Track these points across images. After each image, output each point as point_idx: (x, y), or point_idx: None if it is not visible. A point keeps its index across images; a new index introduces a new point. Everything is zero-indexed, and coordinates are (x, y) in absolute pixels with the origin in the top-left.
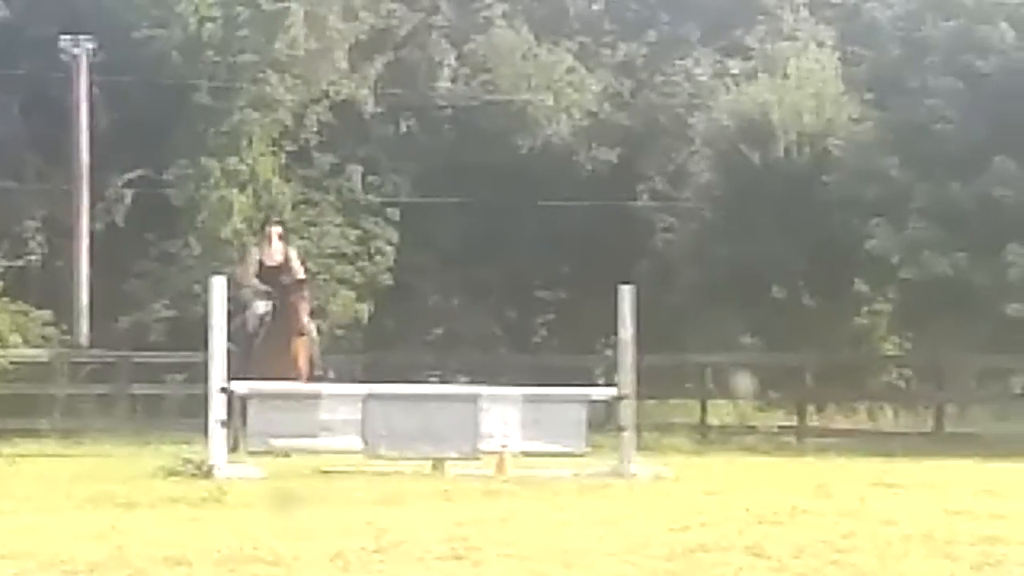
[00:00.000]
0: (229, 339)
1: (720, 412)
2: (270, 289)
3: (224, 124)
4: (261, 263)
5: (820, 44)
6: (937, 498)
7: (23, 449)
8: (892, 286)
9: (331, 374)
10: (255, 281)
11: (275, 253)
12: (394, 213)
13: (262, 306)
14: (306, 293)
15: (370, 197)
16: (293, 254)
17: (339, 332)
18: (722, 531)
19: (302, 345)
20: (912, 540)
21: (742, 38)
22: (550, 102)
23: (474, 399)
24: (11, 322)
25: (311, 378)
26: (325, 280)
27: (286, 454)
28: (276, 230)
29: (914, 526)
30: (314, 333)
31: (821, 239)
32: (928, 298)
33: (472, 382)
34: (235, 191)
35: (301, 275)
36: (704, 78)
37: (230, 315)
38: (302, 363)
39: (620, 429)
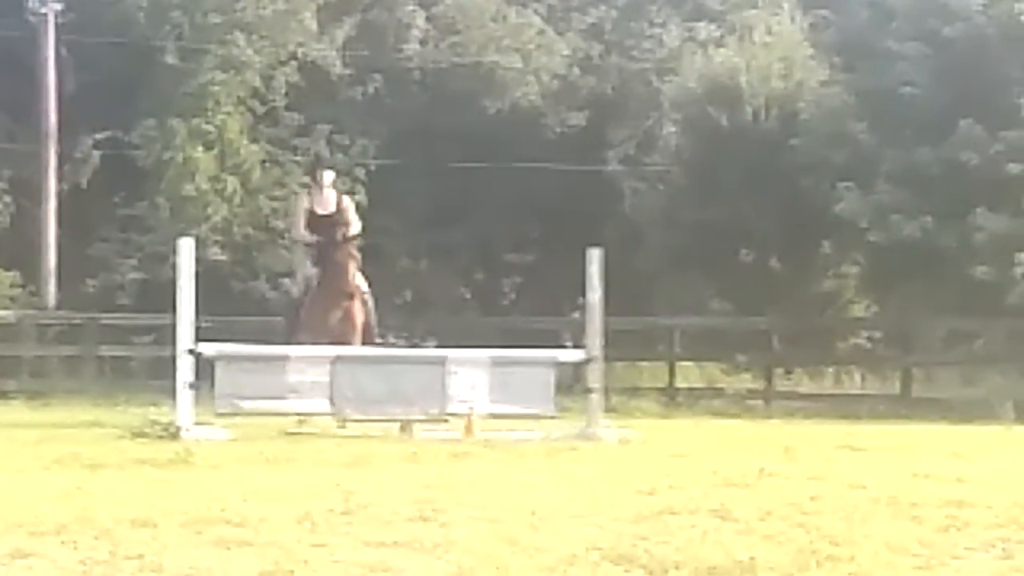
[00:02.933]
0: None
1: (688, 375)
2: (322, 239)
3: (191, 85)
4: (311, 211)
5: (788, 8)
6: (903, 461)
7: None
8: (860, 250)
9: (392, 339)
10: (305, 233)
11: (327, 201)
12: (361, 173)
13: (308, 267)
14: (356, 252)
15: (338, 158)
16: (348, 203)
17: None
18: (689, 494)
19: (355, 309)
20: (878, 503)
21: (711, 2)
22: (519, 65)
23: (442, 362)
24: None
25: (369, 345)
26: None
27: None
28: (328, 175)
29: (880, 489)
30: (368, 295)
31: (789, 203)
32: (896, 262)
33: (440, 345)
34: (200, 150)
35: (356, 228)
36: (673, 42)
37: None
38: (355, 325)
39: (588, 392)
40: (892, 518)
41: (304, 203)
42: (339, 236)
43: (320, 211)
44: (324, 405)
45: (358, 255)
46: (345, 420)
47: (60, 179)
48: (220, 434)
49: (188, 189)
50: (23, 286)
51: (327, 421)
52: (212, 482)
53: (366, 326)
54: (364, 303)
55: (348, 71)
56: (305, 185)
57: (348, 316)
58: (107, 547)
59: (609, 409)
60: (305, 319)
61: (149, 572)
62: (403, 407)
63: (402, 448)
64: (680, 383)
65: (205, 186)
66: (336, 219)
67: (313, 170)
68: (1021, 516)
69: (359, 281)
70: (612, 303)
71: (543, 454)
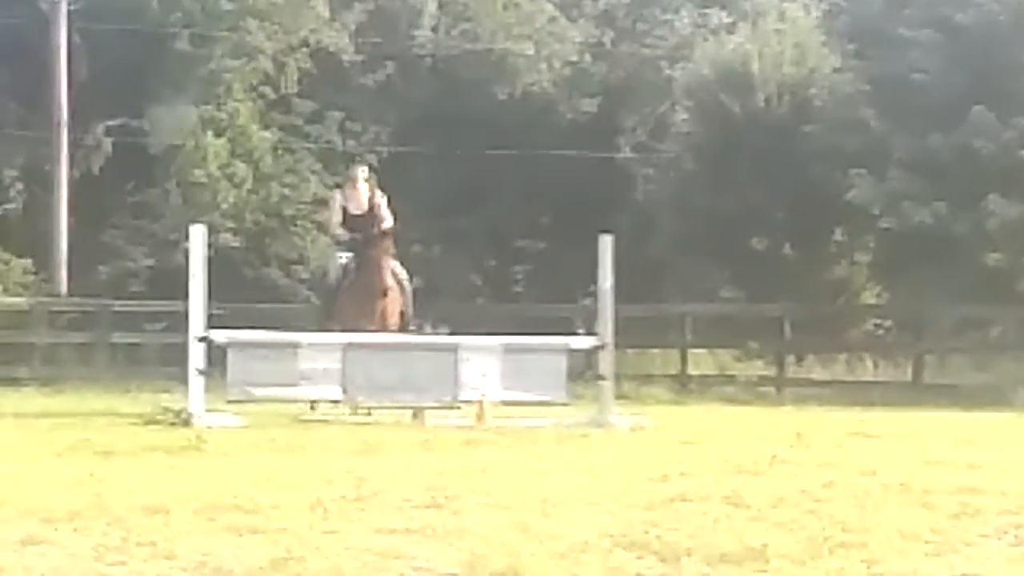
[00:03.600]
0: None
1: (700, 362)
2: (357, 236)
3: (203, 72)
4: (345, 210)
5: None
6: (915, 448)
7: (2, 398)
8: (872, 236)
9: (428, 327)
10: (340, 231)
11: (361, 198)
12: (373, 160)
13: (344, 255)
14: (390, 246)
15: (350, 143)
16: (380, 199)
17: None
18: (701, 481)
19: (390, 302)
20: (890, 490)
21: None
22: (531, 52)
23: (454, 349)
24: None
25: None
26: (304, 227)
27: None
28: (362, 172)
29: (892, 476)
30: (406, 282)
31: (801, 190)
32: (908, 248)
33: (452, 332)
34: (211, 137)
35: (389, 223)
36: (685, 29)
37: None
38: (390, 321)
39: (600, 379)
40: (904, 505)
41: (338, 200)
42: (374, 231)
43: (354, 210)
44: (336, 392)
45: (393, 249)
46: (356, 407)
47: (72, 166)
48: (232, 421)
49: (199, 175)
50: (35, 273)
51: (340, 408)
52: (224, 469)
53: (402, 315)
54: (402, 290)
55: (360, 58)
56: (338, 184)
57: (383, 315)
58: (119, 534)
59: (621, 396)
60: (338, 312)
61: (161, 559)
62: (415, 394)
63: (414, 435)
64: (692, 370)
65: (216, 172)
66: (369, 216)
67: (347, 168)
68: None
69: (397, 270)
70: (624, 290)
71: (555, 441)
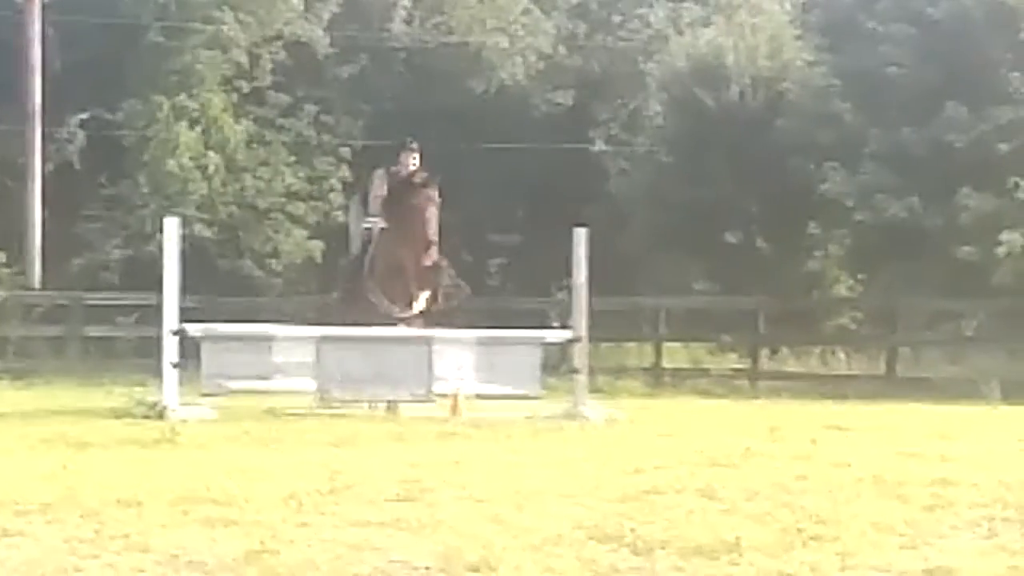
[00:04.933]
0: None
1: (674, 355)
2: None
3: (176, 63)
4: (390, 184)
5: None
6: (889, 441)
7: None
8: (845, 230)
9: (466, 291)
10: (378, 217)
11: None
12: (347, 153)
13: (370, 222)
14: (435, 195)
15: (324, 137)
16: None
17: (292, 275)
18: (675, 473)
19: (430, 267)
20: (864, 482)
21: None
22: (505, 44)
23: (428, 342)
24: None
25: (437, 305)
26: (278, 220)
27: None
28: (414, 157)
29: (866, 468)
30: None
31: (775, 183)
32: (881, 241)
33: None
34: (184, 127)
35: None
36: (659, 22)
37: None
38: (426, 285)
39: (574, 372)
40: (877, 497)
41: (379, 189)
42: (416, 178)
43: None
44: (310, 385)
45: (438, 200)
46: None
47: (45, 158)
48: (206, 414)
49: (171, 165)
50: (8, 266)
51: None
52: (198, 462)
53: (437, 289)
54: (440, 266)
55: (334, 50)
56: (375, 167)
57: (423, 270)
58: (93, 526)
59: (595, 389)
60: (373, 265)
61: (135, 551)
62: (389, 387)
63: (388, 428)
64: (666, 363)
65: (188, 163)
66: (409, 181)
67: (399, 152)
68: (1006, 495)
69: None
70: (598, 283)
71: (529, 434)
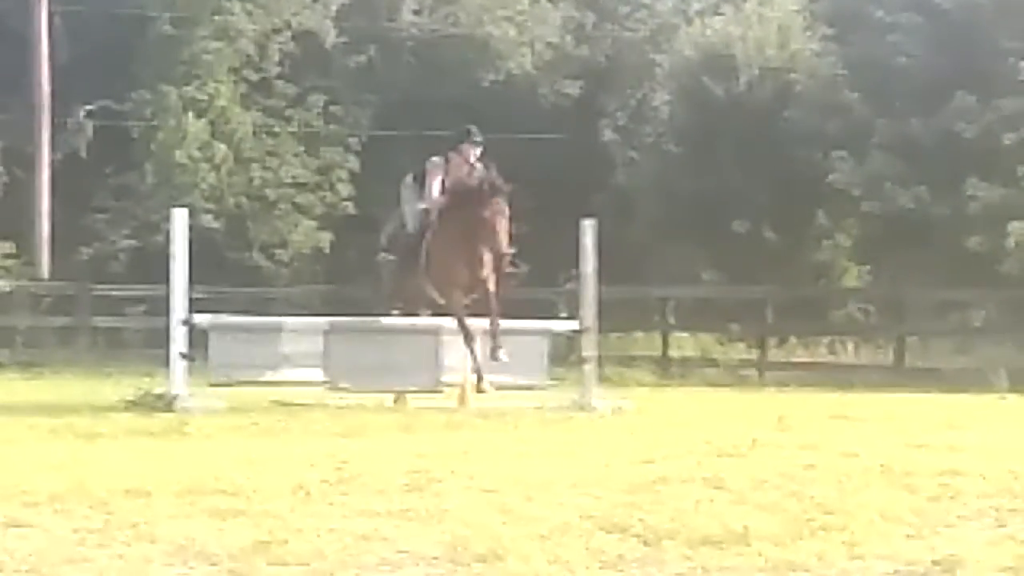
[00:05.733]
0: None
1: (682, 345)
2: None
3: (184, 53)
4: (443, 182)
5: None
6: (897, 431)
7: None
8: (853, 219)
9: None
10: (437, 203)
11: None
12: (355, 144)
13: (427, 201)
14: (506, 208)
15: (332, 127)
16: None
17: (300, 266)
18: (683, 463)
19: (497, 267)
20: (871, 472)
21: None
22: (513, 35)
23: (436, 332)
24: None
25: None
26: (286, 210)
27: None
28: (476, 150)
29: (874, 458)
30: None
31: (783, 173)
32: (889, 231)
33: (434, 315)
34: (191, 118)
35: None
36: (667, 11)
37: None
38: (488, 272)
39: (582, 362)
40: (885, 487)
41: (440, 171)
42: (484, 185)
43: (455, 172)
44: (318, 375)
45: (507, 210)
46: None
47: (53, 149)
48: (214, 404)
49: (179, 156)
50: (17, 256)
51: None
52: (206, 452)
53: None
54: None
55: (342, 40)
56: (432, 154)
57: (484, 255)
58: (101, 517)
59: (603, 379)
60: (433, 247)
61: (143, 541)
62: (397, 377)
63: (395, 418)
64: (674, 353)
65: (196, 153)
66: (473, 175)
67: (459, 141)
68: (1014, 485)
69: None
70: (606, 273)
71: (537, 424)
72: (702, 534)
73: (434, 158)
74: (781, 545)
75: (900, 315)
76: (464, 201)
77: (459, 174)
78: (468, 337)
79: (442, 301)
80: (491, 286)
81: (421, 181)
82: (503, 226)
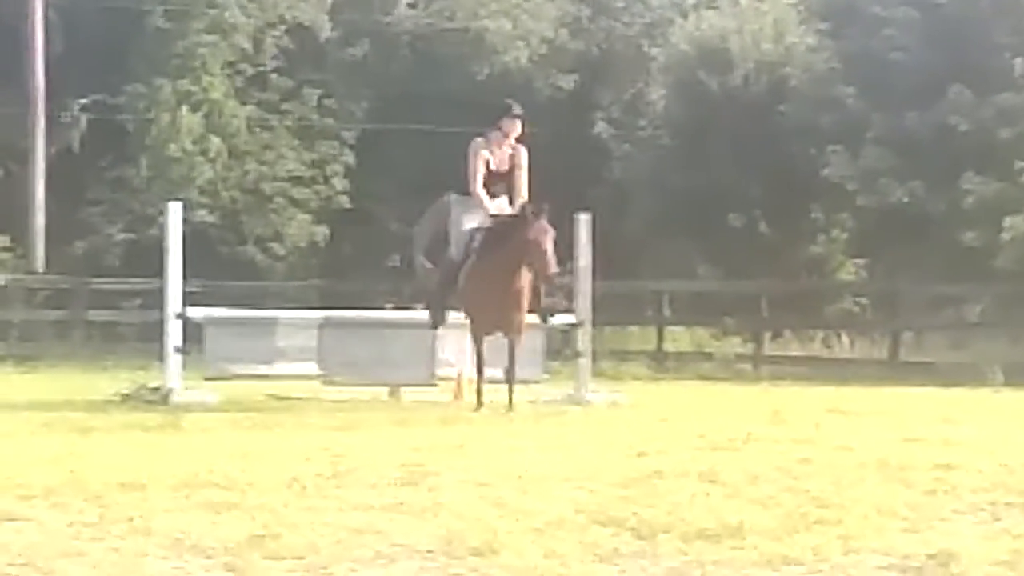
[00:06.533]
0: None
1: (677, 339)
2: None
3: (179, 47)
4: (485, 164)
5: None
6: (892, 425)
7: None
8: (848, 214)
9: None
10: (483, 194)
11: (504, 155)
12: (350, 137)
13: (473, 220)
14: (547, 226)
15: (327, 121)
16: (524, 159)
17: (295, 260)
18: (677, 457)
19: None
20: (867, 467)
21: None
22: (508, 28)
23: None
24: None
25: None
26: (281, 205)
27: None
28: (517, 124)
29: (869, 453)
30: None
31: (778, 167)
32: (884, 226)
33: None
34: (186, 111)
35: (524, 194)
36: (662, 5)
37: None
38: (526, 304)
39: (577, 356)
40: (880, 481)
41: (483, 154)
42: (528, 212)
43: (493, 165)
44: (313, 369)
45: (552, 229)
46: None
47: (48, 142)
48: (209, 398)
49: (173, 150)
50: (12, 250)
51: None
52: (201, 446)
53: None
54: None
55: (337, 34)
56: (479, 133)
57: (524, 286)
58: (96, 510)
59: (598, 373)
60: (471, 279)
61: (138, 535)
62: (392, 372)
63: (390, 412)
64: (669, 347)
65: (191, 147)
66: (509, 180)
67: (500, 116)
68: (1009, 479)
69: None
70: (600, 267)
71: (531, 418)
72: (697, 528)
73: (476, 140)
74: (776, 539)
75: (895, 309)
76: (507, 230)
77: (497, 156)
78: (481, 372)
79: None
80: (518, 333)
81: (469, 175)
82: (550, 246)
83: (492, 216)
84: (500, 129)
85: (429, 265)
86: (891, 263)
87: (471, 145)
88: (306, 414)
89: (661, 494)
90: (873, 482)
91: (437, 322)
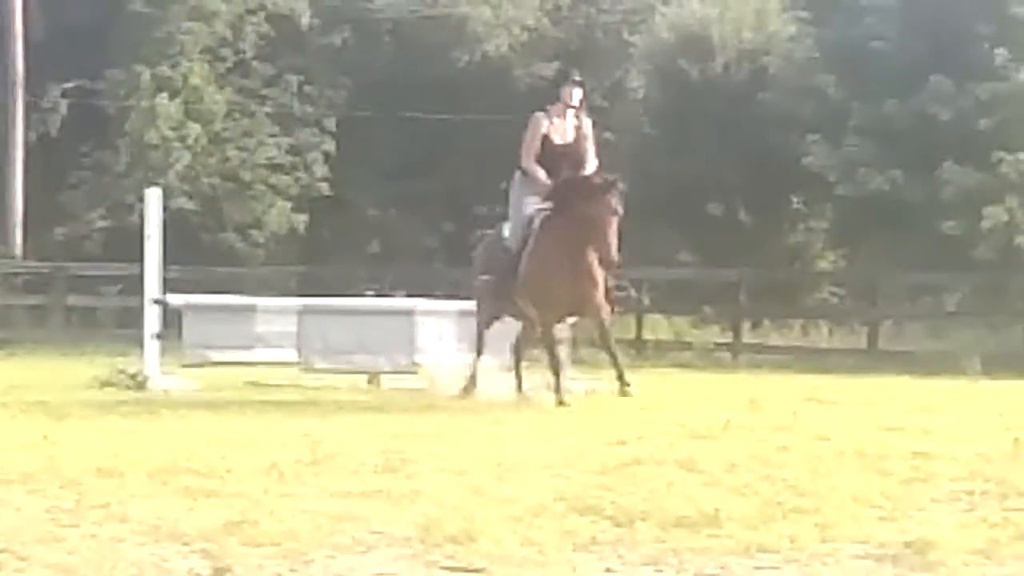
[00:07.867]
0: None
1: (656, 327)
2: (559, 182)
3: (159, 34)
4: (546, 138)
5: None
6: (870, 414)
7: None
8: (828, 203)
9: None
10: (535, 168)
11: (566, 126)
12: (330, 124)
13: (531, 205)
14: (617, 203)
15: (307, 108)
16: (589, 129)
17: (274, 246)
18: (655, 445)
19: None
20: (844, 455)
21: None
22: (488, 16)
23: (410, 312)
24: None
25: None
26: (261, 191)
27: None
28: (577, 92)
29: (846, 441)
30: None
31: (758, 156)
32: (864, 215)
33: (408, 296)
34: (164, 97)
35: (594, 164)
36: None
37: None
38: (600, 293)
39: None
40: (858, 470)
41: (542, 126)
42: (597, 182)
43: (557, 139)
44: (292, 355)
45: (620, 209)
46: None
47: (28, 128)
48: (187, 384)
49: (151, 136)
50: None
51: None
52: (179, 432)
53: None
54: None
55: (317, 21)
56: (543, 109)
57: (596, 272)
58: (73, 496)
59: (577, 361)
60: (527, 286)
61: (115, 521)
62: (371, 358)
63: (370, 399)
64: (648, 335)
65: (169, 134)
66: (574, 150)
67: (559, 85)
68: (986, 468)
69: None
70: None
71: (511, 405)
72: (675, 516)
73: (536, 114)
74: (753, 527)
75: (874, 299)
76: (571, 195)
77: (558, 129)
78: (556, 367)
79: (538, 328)
80: (604, 315)
81: (526, 149)
82: (614, 229)
83: (553, 185)
84: (560, 98)
85: (484, 277)
86: (870, 252)
87: (530, 119)
88: (285, 401)
89: (639, 482)
90: (850, 471)
91: (490, 320)
